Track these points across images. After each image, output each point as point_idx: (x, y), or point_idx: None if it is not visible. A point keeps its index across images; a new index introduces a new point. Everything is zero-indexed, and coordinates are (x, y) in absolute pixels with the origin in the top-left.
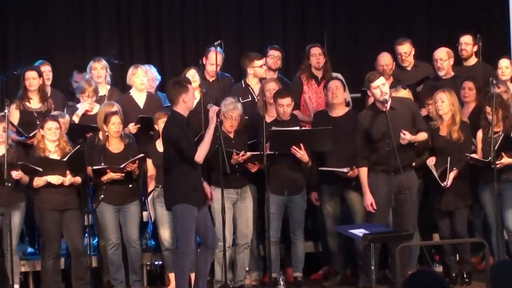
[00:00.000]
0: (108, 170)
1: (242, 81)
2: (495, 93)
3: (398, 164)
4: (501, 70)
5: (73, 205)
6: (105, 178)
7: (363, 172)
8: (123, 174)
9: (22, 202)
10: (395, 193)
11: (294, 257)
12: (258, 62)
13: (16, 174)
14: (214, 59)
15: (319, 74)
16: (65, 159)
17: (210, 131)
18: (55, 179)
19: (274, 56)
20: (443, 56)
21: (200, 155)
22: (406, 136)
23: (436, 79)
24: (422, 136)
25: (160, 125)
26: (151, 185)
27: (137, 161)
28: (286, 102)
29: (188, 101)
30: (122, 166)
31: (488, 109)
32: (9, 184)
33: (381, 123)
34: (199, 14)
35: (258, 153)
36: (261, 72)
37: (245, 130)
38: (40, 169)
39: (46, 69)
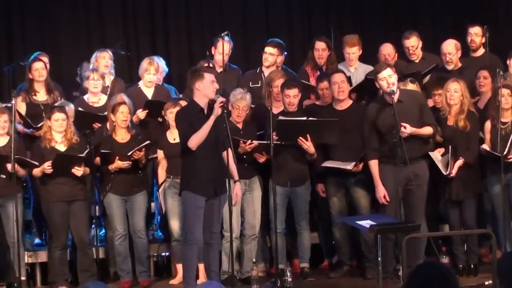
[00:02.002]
0: (117, 158)
1: (258, 68)
2: (504, 83)
3: (405, 155)
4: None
5: (80, 196)
6: (112, 166)
7: (374, 164)
8: (130, 163)
9: (19, 193)
10: (404, 185)
11: (300, 248)
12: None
13: (11, 167)
14: (222, 48)
15: (323, 66)
16: (83, 155)
17: (210, 121)
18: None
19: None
20: (451, 50)
21: (193, 141)
22: (406, 130)
23: (444, 71)
24: (427, 130)
25: (168, 116)
26: (161, 176)
27: (143, 149)
28: (293, 93)
29: (203, 88)
30: (129, 154)
31: (497, 97)
32: (4, 176)
33: (388, 115)
34: (204, 6)
35: (265, 142)
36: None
37: (253, 121)
38: (37, 164)
39: (45, 60)
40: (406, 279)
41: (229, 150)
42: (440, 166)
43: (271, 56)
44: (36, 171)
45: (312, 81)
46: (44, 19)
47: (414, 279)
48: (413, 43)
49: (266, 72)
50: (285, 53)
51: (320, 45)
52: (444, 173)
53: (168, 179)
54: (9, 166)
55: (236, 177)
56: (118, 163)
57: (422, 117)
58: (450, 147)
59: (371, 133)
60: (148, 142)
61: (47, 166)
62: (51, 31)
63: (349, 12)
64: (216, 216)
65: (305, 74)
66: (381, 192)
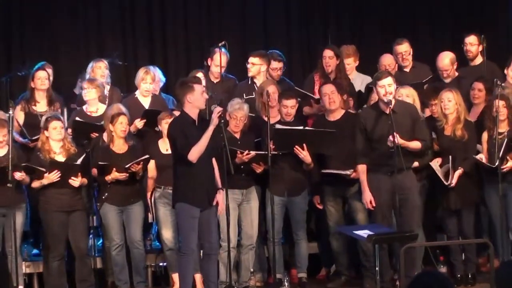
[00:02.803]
0: (114, 169)
1: (249, 78)
2: (501, 94)
3: (402, 164)
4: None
5: (79, 206)
6: (109, 177)
7: (362, 169)
8: (127, 175)
9: (23, 203)
10: (395, 194)
11: (298, 258)
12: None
13: (19, 175)
14: (218, 60)
15: (331, 74)
16: (78, 162)
17: (208, 132)
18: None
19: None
20: (447, 66)
21: (193, 154)
22: (396, 139)
23: (440, 80)
24: (415, 144)
25: (163, 125)
26: (150, 186)
27: (141, 163)
28: (291, 104)
29: (194, 100)
30: (127, 166)
31: (493, 109)
32: (10, 185)
33: (381, 124)
34: (202, 15)
35: (262, 152)
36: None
37: (251, 130)
38: (44, 170)
39: (49, 71)
40: None
41: (217, 159)
42: (440, 176)
43: (254, 66)
44: (36, 183)
45: (317, 89)
46: (43, 30)
47: None
48: (405, 48)
49: (258, 82)
50: (282, 63)
51: (327, 53)
52: (446, 183)
53: (159, 189)
54: (16, 174)
55: (219, 185)
56: (116, 174)
57: (414, 131)
58: (450, 157)
59: (361, 139)
60: (147, 156)
61: (53, 175)
62: (49, 41)
63: (348, 22)
64: (212, 226)
65: (311, 81)
66: (368, 197)
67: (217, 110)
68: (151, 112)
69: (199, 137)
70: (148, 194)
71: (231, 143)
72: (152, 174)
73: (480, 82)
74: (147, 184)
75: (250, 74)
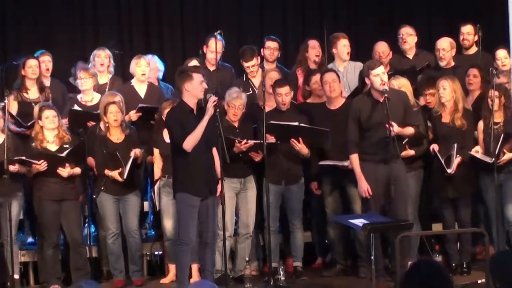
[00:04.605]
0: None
1: (244, 75)
2: (497, 83)
3: (397, 151)
4: (500, 61)
5: (71, 195)
6: (109, 173)
7: (355, 158)
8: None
9: (20, 192)
10: (387, 183)
11: (293, 247)
12: (248, 63)
13: (13, 168)
14: (214, 47)
15: (314, 67)
16: (63, 155)
17: (204, 121)
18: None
19: (271, 47)
20: (446, 46)
21: (188, 143)
22: (394, 129)
23: (436, 69)
24: (409, 130)
25: (166, 114)
26: (157, 174)
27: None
28: (284, 91)
29: (192, 89)
30: (124, 176)
31: (489, 98)
32: (6, 176)
33: (375, 112)
34: (199, 4)
35: (261, 141)
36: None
37: (248, 119)
38: (38, 162)
39: (46, 59)
40: (402, 277)
41: (219, 148)
42: (443, 163)
43: (276, 50)
44: (27, 172)
45: (301, 83)
46: (38, 19)
47: (412, 278)
48: (409, 31)
49: (253, 80)
50: (276, 43)
51: (315, 43)
52: (449, 171)
53: (164, 178)
54: (10, 167)
55: (219, 175)
56: (114, 173)
57: (406, 117)
58: (455, 145)
59: (355, 128)
60: (132, 158)
61: (40, 165)
62: (45, 31)
63: (344, 10)
64: (211, 215)
65: (294, 77)
66: (364, 186)
67: (212, 99)
68: (146, 109)
69: (196, 126)
70: (154, 183)
71: (229, 132)
72: (158, 163)
73: (475, 68)
74: (150, 172)
75: (271, 60)
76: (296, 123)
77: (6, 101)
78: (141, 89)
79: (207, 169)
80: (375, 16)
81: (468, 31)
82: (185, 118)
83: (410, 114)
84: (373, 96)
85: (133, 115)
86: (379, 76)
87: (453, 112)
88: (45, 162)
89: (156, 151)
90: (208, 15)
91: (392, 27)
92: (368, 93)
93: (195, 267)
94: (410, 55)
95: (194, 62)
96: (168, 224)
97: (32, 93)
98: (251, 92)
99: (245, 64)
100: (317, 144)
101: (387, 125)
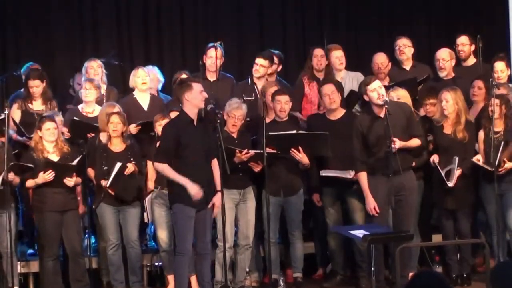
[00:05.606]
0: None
1: (249, 79)
2: (498, 93)
3: (398, 165)
4: (497, 74)
5: (73, 206)
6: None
7: (363, 176)
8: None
9: (12, 203)
10: (394, 195)
11: (293, 258)
12: (258, 60)
13: (11, 176)
14: (214, 54)
15: (320, 75)
16: (74, 163)
17: (182, 181)
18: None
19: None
20: (445, 56)
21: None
22: (396, 145)
23: (436, 80)
24: (415, 142)
25: (158, 128)
26: (149, 186)
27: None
28: (284, 100)
29: (193, 99)
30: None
31: (490, 108)
32: (2, 187)
33: (377, 127)
34: (199, 16)
35: (261, 151)
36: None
37: (248, 130)
38: (31, 166)
39: (40, 74)
40: None
41: (218, 160)
42: (444, 175)
43: (262, 67)
44: (30, 182)
45: (307, 91)
46: (38, 29)
47: None
48: (405, 42)
49: (258, 83)
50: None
51: (318, 52)
52: (449, 184)
53: (156, 190)
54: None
55: (219, 187)
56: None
57: (409, 129)
58: (457, 158)
59: (360, 145)
60: (118, 167)
61: (47, 175)
62: (45, 41)
63: (343, 21)
64: (207, 226)
65: (300, 84)
66: (371, 203)
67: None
68: (147, 124)
69: (195, 137)
70: (148, 196)
71: (228, 142)
72: (151, 174)
73: (480, 80)
74: (146, 185)
75: (256, 75)
76: (294, 131)
77: (6, 111)
78: (144, 101)
79: (204, 180)
80: (375, 27)
81: (462, 42)
82: (184, 130)
83: (413, 125)
84: (373, 111)
85: (133, 128)
86: (375, 91)
87: (455, 124)
88: (52, 172)
89: (149, 163)
90: (208, 27)
91: (392, 38)
92: (368, 109)
93: (194, 279)
94: (407, 66)
95: (183, 76)
96: (162, 235)
97: (37, 104)
98: (253, 97)
99: (256, 60)
100: (318, 151)
101: (388, 142)
